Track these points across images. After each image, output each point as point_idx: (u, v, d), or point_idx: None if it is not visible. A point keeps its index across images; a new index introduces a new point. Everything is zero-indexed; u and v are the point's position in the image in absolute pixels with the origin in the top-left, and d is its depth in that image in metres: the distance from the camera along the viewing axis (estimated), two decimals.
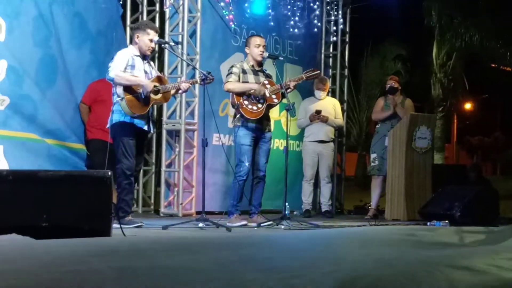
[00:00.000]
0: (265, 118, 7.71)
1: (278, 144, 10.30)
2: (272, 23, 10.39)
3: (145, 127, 7.05)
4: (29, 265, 3.35)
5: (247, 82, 7.58)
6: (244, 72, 7.60)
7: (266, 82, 7.66)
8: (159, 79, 7.12)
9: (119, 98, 6.89)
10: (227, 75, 7.58)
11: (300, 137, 10.52)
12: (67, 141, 7.97)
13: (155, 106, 9.09)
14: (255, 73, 7.68)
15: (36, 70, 7.65)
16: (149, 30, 7.07)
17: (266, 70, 7.84)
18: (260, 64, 7.76)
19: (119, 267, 3.37)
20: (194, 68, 7.98)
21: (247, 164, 7.53)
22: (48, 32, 7.76)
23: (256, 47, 7.66)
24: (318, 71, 7.98)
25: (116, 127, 6.96)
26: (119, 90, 6.89)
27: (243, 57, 9.38)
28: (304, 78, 7.82)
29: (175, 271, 3.38)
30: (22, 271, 3.20)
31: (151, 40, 7.04)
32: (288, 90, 7.58)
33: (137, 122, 6.97)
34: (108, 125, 7.03)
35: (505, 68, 18.59)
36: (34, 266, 3.33)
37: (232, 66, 7.67)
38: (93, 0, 8.43)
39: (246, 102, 7.50)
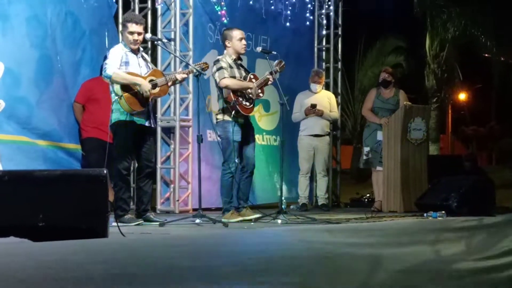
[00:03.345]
0: None
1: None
2: (248, 19, 10.22)
3: (147, 123, 7.02)
4: (26, 274, 3.32)
5: (234, 77, 7.53)
6: (230, 66, 7.56)
7: (251, 76, 7.64)
8: (155, 73, 7.09)
9: (117, 97, 6.84)
10: (218, 70, 7.46)
11: (275, 131, 10.53)
12: (62, 142, 7.96)
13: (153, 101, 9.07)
14: (238, 67, 7.64)
15: (35, 72, 7.63)
16: (128, 24, 6.99)
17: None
18: (239, 57, 7.74)
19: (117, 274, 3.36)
20: (187, 65, 7.97)
21: (237, 160, 7.52)
22: (44, 32, 7.74)
23: (239, 41, 7.59)
24: (284, 63, 7.94)
25: (115, 126, 6.94)
26: (117, 88, 6.84)
27: (217, 53, 9.39)
28: (278, 70, 7.86)
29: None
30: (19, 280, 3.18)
31: (131, 33, 6.95)
32: (269, 83, 7.65)
33: (137, 119, 6.94)
34: (109, 125, 6.99)
35: (486, 55, 18.62)
36: (31, 275, 3.30)
37: (218, 61, 7.53)
38: (83, 0, 8.37)
39: (241, 99, 7.48)
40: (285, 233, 6.27)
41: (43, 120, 7.70)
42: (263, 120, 10.39)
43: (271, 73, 7.64)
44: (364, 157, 9.81)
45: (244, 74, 7.63)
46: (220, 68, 7.45)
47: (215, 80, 7.50)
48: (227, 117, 7.47)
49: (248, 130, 7.66)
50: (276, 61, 7.93)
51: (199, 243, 5.27)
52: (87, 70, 8.32)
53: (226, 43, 7.62)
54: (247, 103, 7.52)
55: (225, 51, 7.65)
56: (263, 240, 5.53)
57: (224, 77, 7.41)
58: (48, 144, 7.75)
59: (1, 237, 4.66)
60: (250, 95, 7.49)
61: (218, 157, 9.50)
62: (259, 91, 7.60)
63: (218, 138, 7.68)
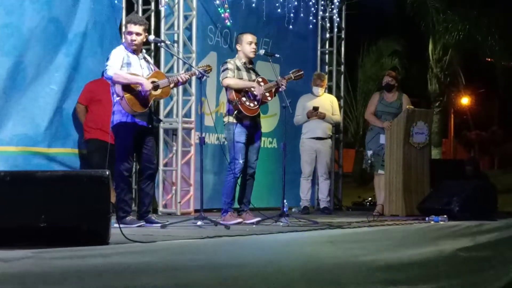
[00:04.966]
0: (258, 115, 7.74)
1: None
2: (251, 22, 10.19)
3: (148, 124, 7.02)
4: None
5: (241, 79, 7.59)
6: (238, 68, 7.62)
7: (260, 79, 7.67)
8: (157, 74, 7.09)
9: (119, 98, 6.83)
10: (223, 70, 7.58)
11: (272, 134, 10.55)
12: (37, 147, 7.92)
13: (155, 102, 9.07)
14: (247, 70, 7.70)
15: (5, 80, 7.59)
16: (128, 25, 6.97)
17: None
18: (251, 61, 7.78)
19: None
20: (190, 67, 8.00)
21: (241, 161, 7.53)
22: (19, 40, 7.70)
23: (248, 44, 7.67)
24: (302, 72, 8.01)
25: (117, 128, 6.93)
26: (118, 89, 6.82)
27: (216, 55, 9.41)
28: (293, 77, 7.89)
29: None
30: None
31: (129, 33, 6.90)
32: (280, 89, 7.65)
33: (139, 120, 6.94)
34: (110, 126, 6.99)
35: (489, 60, 18.64)
36: None
37: (225, 62, 7.64)
38: (73, 4, 8.30)
39: (244, 99, 7.52)
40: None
41: (16, 126, 7.69)
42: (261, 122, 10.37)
43: (283, 79, 7.68)
44: (369, 161, 9.80)
45: (254, 77, 7.66)
46: (226, 69, 7.56)
47: (221, 81, 7.57)
48: (231, 119, 7.54)
49: (253, 132, 7.68)
50: (295, 70, 7.97)
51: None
52: (84, 72, 8.31)
53: (237, 46, 7.75)
54: (251, 104, 7.55)
55: (236, 55, 7.74)
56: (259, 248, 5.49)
57: (226, 77, 7.49)
58: (19, 150, 7.74)
59: (6, 249, 4.63)
60: (250, 93, 7.52)
61: (207, 161, 9.50)
62: (267, 94, 7.63)
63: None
